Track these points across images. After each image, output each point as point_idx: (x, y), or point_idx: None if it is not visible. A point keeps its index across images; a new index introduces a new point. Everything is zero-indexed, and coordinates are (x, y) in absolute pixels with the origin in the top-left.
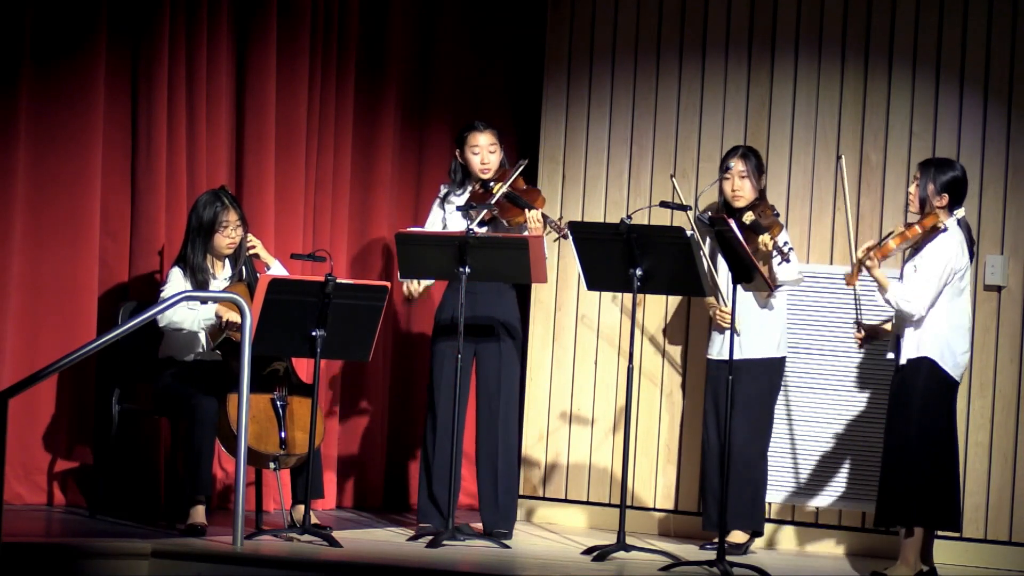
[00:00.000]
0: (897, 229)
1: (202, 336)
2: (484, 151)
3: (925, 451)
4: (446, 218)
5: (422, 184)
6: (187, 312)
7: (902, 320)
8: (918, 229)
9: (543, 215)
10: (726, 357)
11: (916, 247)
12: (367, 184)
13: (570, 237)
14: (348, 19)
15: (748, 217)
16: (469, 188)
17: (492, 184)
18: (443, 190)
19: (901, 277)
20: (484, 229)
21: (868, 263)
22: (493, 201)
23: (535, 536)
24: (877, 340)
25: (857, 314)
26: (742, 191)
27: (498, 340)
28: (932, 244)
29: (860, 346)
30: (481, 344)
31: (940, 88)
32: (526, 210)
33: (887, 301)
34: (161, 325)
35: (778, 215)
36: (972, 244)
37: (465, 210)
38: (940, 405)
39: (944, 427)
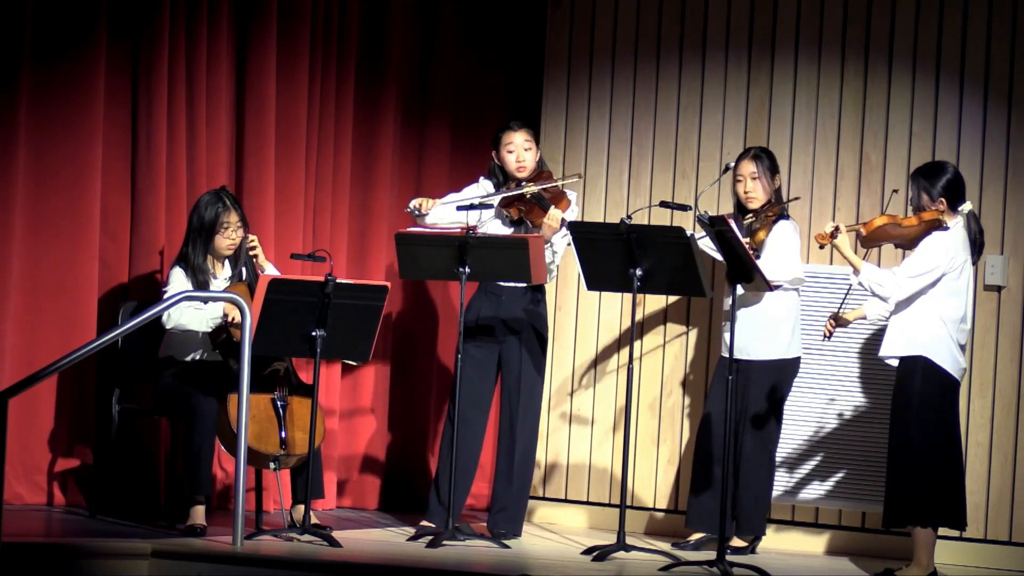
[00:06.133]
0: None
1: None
2: (520, 149)
3: (927, 453)
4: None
5: (422, 184)
6: (194, 313)
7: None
8: (915, 220)
9: (563, 218)
10: (736, 357)
11: (913, 243)
12: (367, 184)
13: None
14: (348, 19)
15: (746, 220)
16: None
17: (525, 184)
18: (482, 181)
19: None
20: (511, 230)
21: (839, 234)
22: (516, 194)
23: (535, 536)
24: (844, 327)
25: (839, 308)
26: (755, 192)
27: (520, 343)
28: (928, 239)
29: (826, 337)
30: (504, 347)
31: (940, 88)
32: (550, 210)
33: (860, 284)
34: (168, 327)
35: (785, 215)
36: (981, 235)
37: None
38: (941, 405)
39: (947, 427)
